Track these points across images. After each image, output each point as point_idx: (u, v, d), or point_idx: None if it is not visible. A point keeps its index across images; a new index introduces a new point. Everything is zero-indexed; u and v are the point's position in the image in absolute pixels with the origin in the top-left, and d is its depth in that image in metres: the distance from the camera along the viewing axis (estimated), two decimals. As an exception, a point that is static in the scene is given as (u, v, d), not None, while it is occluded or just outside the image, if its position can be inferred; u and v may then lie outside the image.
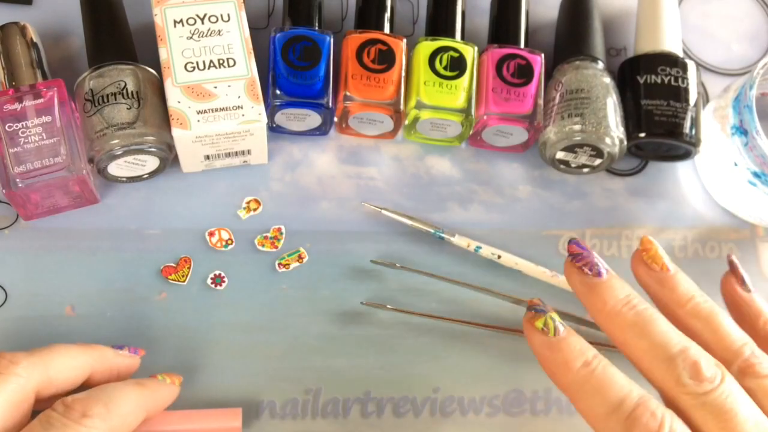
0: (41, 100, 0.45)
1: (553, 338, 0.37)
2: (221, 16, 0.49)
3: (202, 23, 0.49)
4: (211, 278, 0.48)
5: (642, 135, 0.52)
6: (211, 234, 0.49)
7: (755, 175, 0.50)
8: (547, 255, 0.52)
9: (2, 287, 0.47)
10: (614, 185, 0.55)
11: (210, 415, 0.44)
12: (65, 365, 0.39)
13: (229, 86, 0.47)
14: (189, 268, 0.48)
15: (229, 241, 0.49)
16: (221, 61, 0.48)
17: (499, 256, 0.50)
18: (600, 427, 0.35)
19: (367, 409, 0.47)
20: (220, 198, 0.50)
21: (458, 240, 0.50)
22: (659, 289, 0.39)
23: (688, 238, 0.55)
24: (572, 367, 0.36)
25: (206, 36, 0.48)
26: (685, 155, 0.54)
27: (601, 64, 0.53)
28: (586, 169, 0.54)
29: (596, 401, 0.35)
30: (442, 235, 0.50)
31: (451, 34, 0.52)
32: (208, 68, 0.48)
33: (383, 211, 0.51)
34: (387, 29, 0.52)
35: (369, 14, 0.53)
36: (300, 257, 0.49)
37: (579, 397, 0.36)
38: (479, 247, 0.50)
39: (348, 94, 0.50)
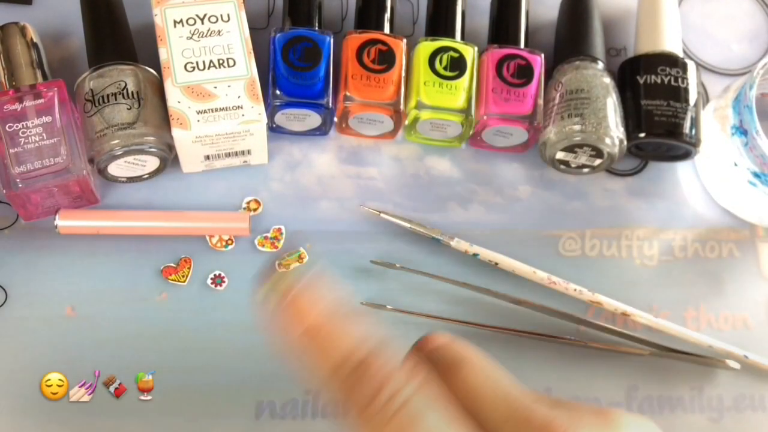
0: (41, 101, 0.45)
1: (284, 298, 0.30)
2: (221, 16, 0.49)
3: (202, 23, 0.49)
4: (211, 278, 0.48)
5: (642, 135, 0.52)
6: (212, 234, 0.49)
7: (755, 175, 0.50)
8: (547, 255, 0.52)
9: (2, 287, 0.47)
10: (614, 185, 0.55)
11: (219, 216, 0.48)
12: None
13: (229, 86, 0.47)
14: (189, 268, 0.48)
15: (230, 242, 0.49)
16: (221, 61, 0.48)
17: (496, 264, 0.50)
18: (330, 386, 0.29)
19: (367, 409, 0.47)
20: (220, 198, 0.50)
21: (456, 244, 0.50)
22: None
23: (688, 238, 0.55)
24: (303, 321, 0.30)
25: (206, 36, 0.48)
26: (685, 155, 0.54)
27: (601, 64, 0.53)
28: (586, 169, 0.54)
29: (323, 356, 0.30)
30: (440, 239, 0.50)
31: (451, 35, 0.52)
32: (208, 68, 0.47)
33: (382, 215, 0.51)
34: (387, 29, 0.52)
35: (369, 14, 0.53)
36: (300, 258, 0.49)
37: (311, 351, 0.30)
38: (477, 255, 0.50)
39: (348, 94, 0.50)
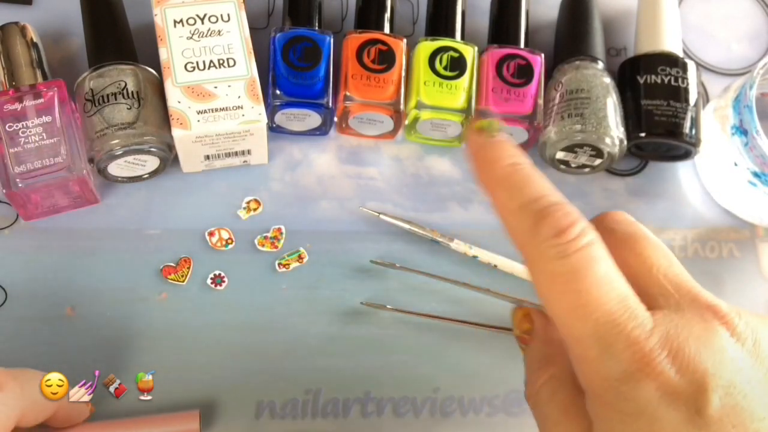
0: (41, 101, 0.45)
1: (489, 138, 0.34)
2: (221, 16, 0.49)
3: (202, 23, 0.49)
4: (211, 278, 0.48)
5: (642, 135, 0.52)
6: (211, 234, 0.49)
7: (755, 175, 0.50)
8: (547, 255, 0.52)
9: (2, 287, 0.47)
10: (614, 185, 0.55)
11: (166, 420, 0.43)
12: (38, 400, 0.38)
13: (229, 86, 0.47)
14: (189, 268, 0.48)
15: (230, 241, 0.49)
16: (221, 61, 0.48)
17: (495, 266, 0.50)
18: (509, 221, 0.32)
19: (367, 409, 0.47)
20: (220, 198, 0.50)
21: (456, 245, 0.50)
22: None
23: (688, 238, 0.55)
24: (499, 164, 0.33)
25: (206, 36, 0.48)
26: (685, 155, 0.54)
27: (601, 64, 0.53)
28: (586, 169, 0.54)
29: (511, 194, 0.32)
30: (440, 240, 0.50)
31: (451, 35, 0.52)
32: (208, 68, 0.47)
33: (381, 216, 0.51)
34: (387, 29, 0.52)
35: (369, 14, 0.53)
36: (300, 257, 0.49)
37: (496, 190, 0.33)
38: (476, 257, 0.50)
39: (348, 94, 0.50)
